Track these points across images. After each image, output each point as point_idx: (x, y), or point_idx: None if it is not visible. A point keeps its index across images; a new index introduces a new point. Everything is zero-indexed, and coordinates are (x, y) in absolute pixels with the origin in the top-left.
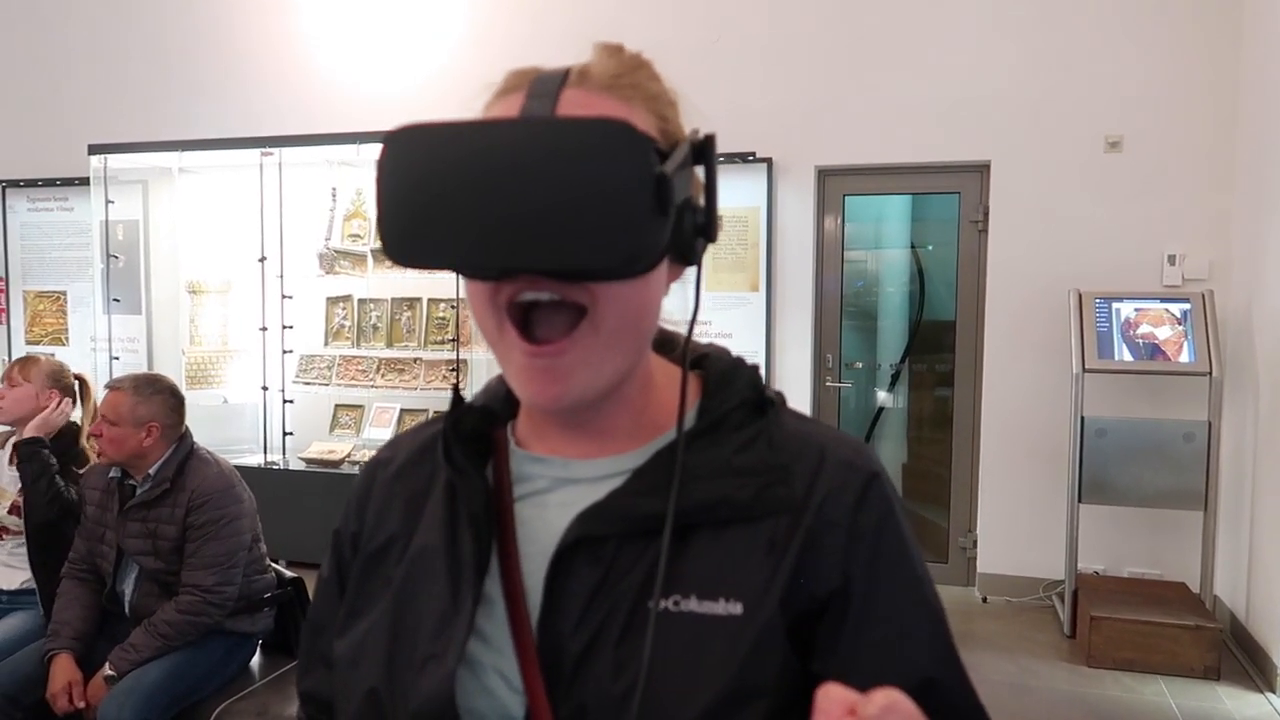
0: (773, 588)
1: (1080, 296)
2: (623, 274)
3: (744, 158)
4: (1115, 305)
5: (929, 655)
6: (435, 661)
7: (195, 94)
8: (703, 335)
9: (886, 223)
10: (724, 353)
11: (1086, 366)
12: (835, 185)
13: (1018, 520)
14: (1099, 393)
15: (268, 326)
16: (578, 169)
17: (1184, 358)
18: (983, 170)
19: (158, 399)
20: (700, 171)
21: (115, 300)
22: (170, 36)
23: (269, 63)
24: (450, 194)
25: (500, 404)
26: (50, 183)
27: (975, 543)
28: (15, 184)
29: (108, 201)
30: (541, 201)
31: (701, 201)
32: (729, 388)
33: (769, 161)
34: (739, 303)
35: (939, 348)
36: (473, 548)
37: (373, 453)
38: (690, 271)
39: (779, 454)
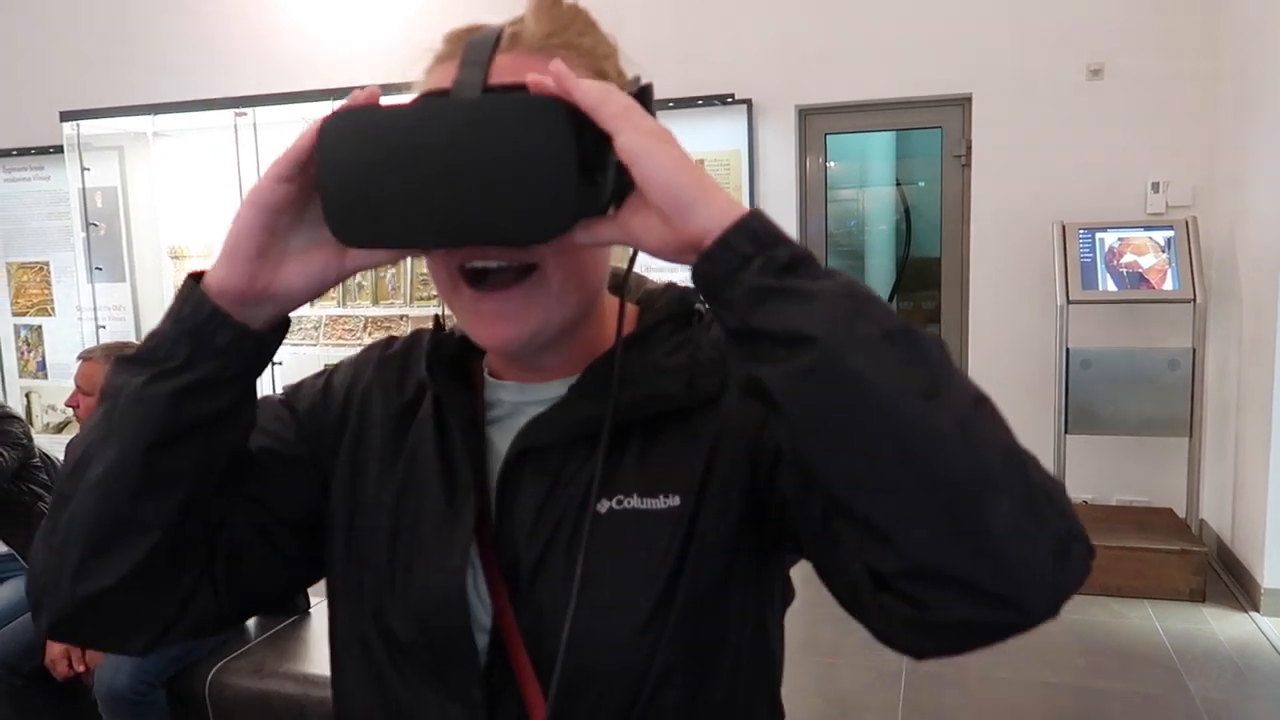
0: (710, 479)
1: (1064, 228)
2: (560, 234)
3: (723, 100)
4: (1099, 235)
5: None
6: (438, 559)
7: (167, 56)
8: (684, 281)
9: (871, 161)
10: (664, 284)
11: (1071, 298)
12: (817, 124)
13: None
14: (1084, 324)
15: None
16: (504, 144)
17: (1168, 285)
18: (964, 103)
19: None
20: None
21: (98, 269)
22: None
23: (239, 22)
24: (386, 176)
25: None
26: (25, 151)
27: None
28: None
29: (83, 169)
30: (473, 178)
31: None
32: (657, 304)
33: (748, 103)
34: None
35: (926, 284)
36: (466, 457)
37: None
38: None
39: (707, 350)
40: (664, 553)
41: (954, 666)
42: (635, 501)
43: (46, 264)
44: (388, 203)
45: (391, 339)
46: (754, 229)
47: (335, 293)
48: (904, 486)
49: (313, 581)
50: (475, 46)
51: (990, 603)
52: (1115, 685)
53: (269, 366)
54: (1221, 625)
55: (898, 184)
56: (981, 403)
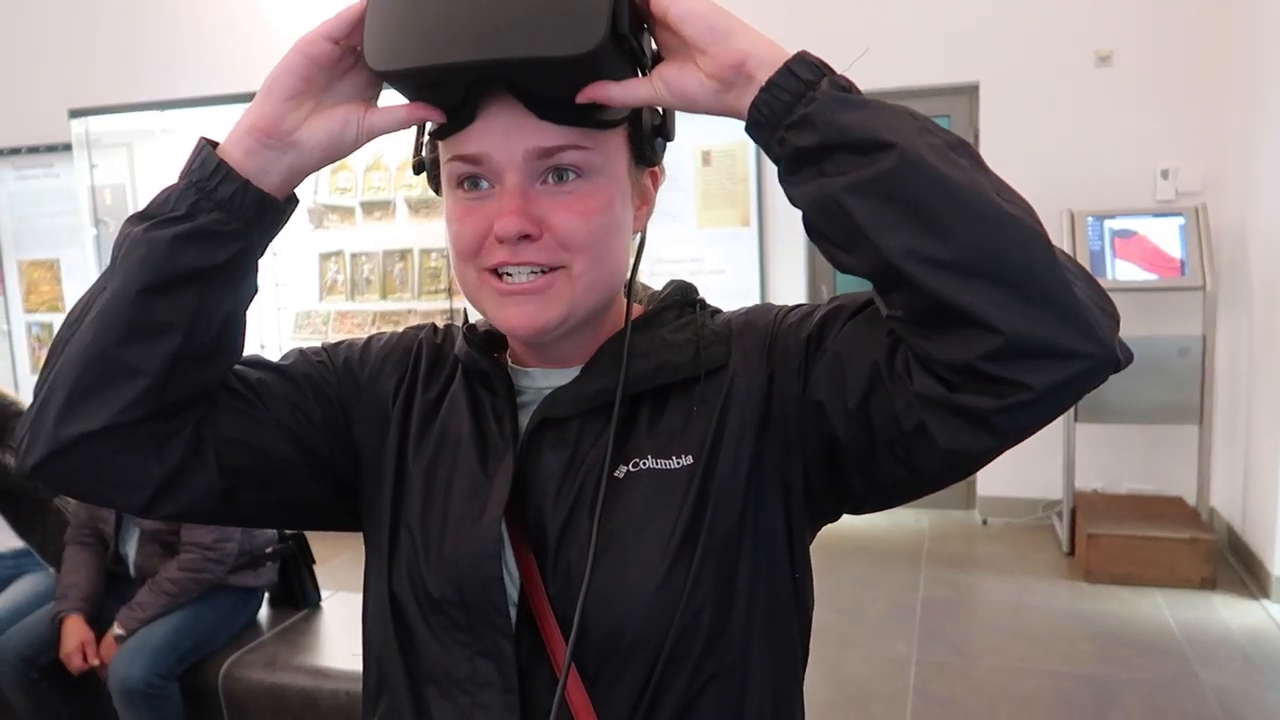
0: (722, 438)
1: (1073, 216)
2: (587, 118)
3: None
4: (1107, 223)
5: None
6: (470, 519)
7: (174, 54)
8: (696, 272)
9: None
10: (672, 281)
11: None
12: None
13: None
14: None
15: (260, 285)
16: None
17: (1177, 273)
18: (971, 92)
19: None
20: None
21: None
22: None
23: (245, 18)
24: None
25: (500, 334)
26: (34, 149)
27: None
28: (0, 152)
29: (92, 166)
30: None
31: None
32: (662, 296)
33: None
34: (731, 239)
35: None
36: (497, 429)
37: None
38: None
39: (710, 329)
40: (680, 505)
41: (963, 656)
42: (650, 463)
43: (57, 261)
44: (425, 22)
45: (435, 327)
46: (811, 59)
47: (344, 288)
48: (996, 267)
49: (307, 519)
50: None
51: (1078, 360)
52: (1125, 674)
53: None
54: (1232, 613)
55: None
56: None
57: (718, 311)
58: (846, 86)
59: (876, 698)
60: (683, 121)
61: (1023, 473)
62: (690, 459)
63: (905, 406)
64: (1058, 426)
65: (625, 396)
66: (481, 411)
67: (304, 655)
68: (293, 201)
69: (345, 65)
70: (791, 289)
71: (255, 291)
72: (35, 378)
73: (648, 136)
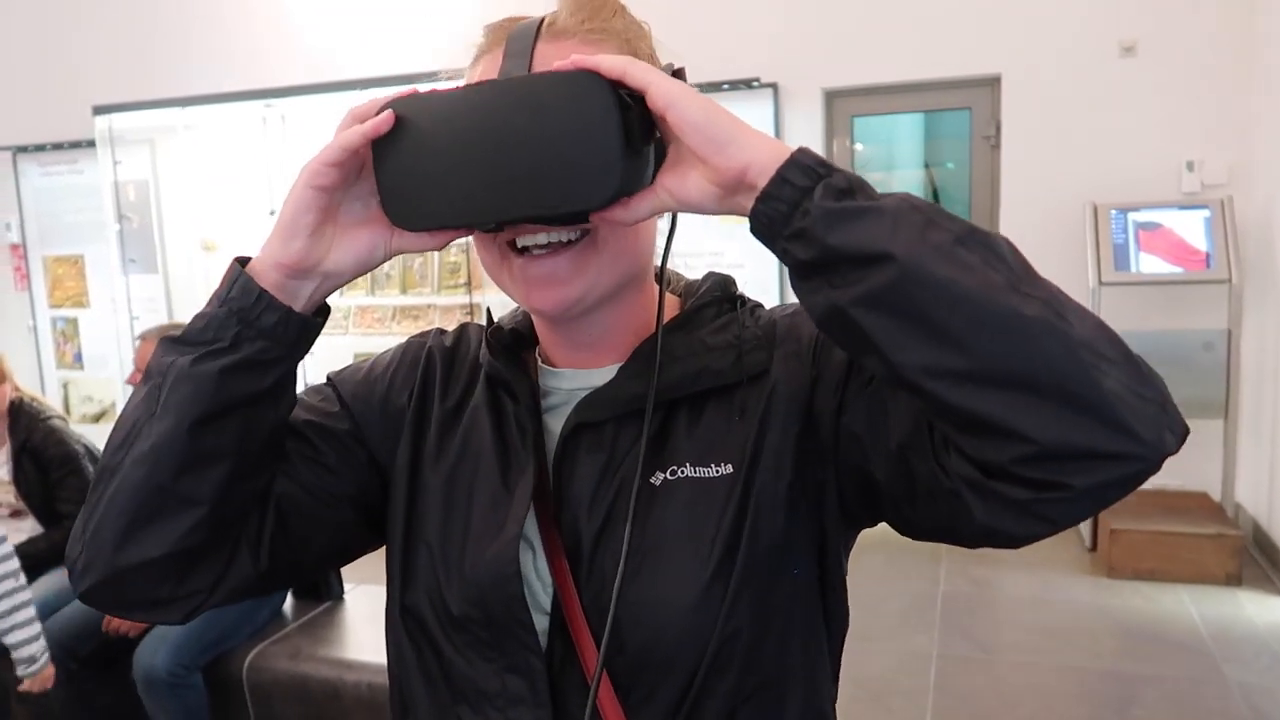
0: (763, 447)
1: (1096, 209)
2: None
3: (748, 84)
4: (1131, 215)
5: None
6: (490, 535)
7: (196, 51)
8: (716, 265)
9: (899, 143)
10: (710, 274)
11: (1103, 279)
12: (843, 107)
13: None
14: (1117, 305)
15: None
16: (554, 121)
17: (1202, 266)
18: (993, 84)
19: None
20: None
21: (131, 261)
22: None
23: (267, 16)
24: (442, 159)
25: (527, 328)
26: (59, 146)
27: None
28: (24, 149)
29: (115, 162)
30: (528, 155)
31: None
32: (700, 291)
33: (774, 87)
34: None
35: None
36: (520, 440)
37: None
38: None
39: (753, 330)
40: (720, 517)
41: (984, 651)
42: (689, 470)
43: (81, 257)
44: (443, 185)
45: (441, 330)
46: (806, 163)
47: (364, 282)
48: (1019, 375)
49: (351, 554)
50: (517, 37)
51: (1121, 462)
52: (1149, 670)
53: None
54: (1258, 609)
55: (926, 166)
56: (1059, 289)
57: (759, 307)
58: (845, 188)
59: (897, 692)
60: None
61: None
62: (730, 468)
63: (944, 471)
64: None
65: (663, 401)
66: (504, 420)
67: (327, 647)
68: (325, 312)
69: (353, 178)
70: None
71: (294, 402)
72: (59, 373)
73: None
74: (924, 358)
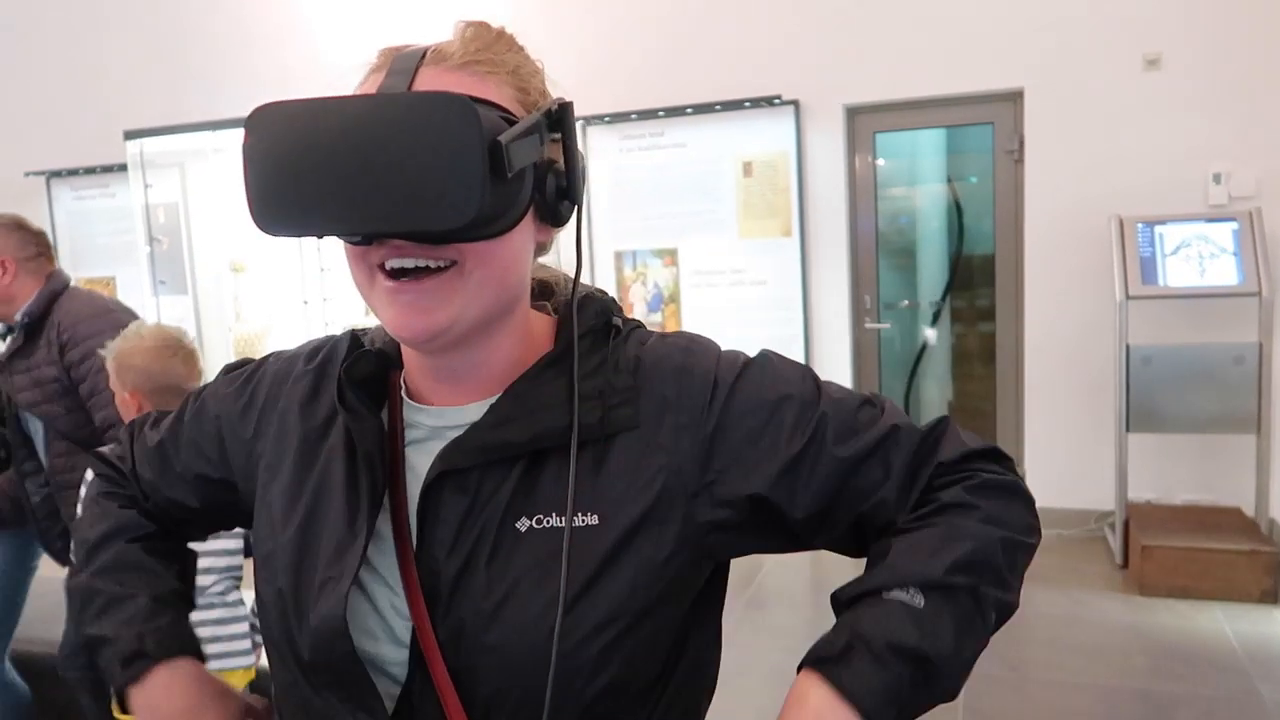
0: (629, 502)
1: (1122, 222)
2: (475, 235)
3: (769, 101)
4: (1158, 229)
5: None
6: (332, 584)
7: (224, 76)
8: (737, 282)
9: (921, 158)
10: (583, 291)
11: (1130, 293)
12: (865, 123)
13: (1066, 453)
14: (1144, 319)
15: (309, 300)
16: (419, 140)
17: (1231, 279)
18: (1016, 98)
19: (1, 233)
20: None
21: (162, 282)
22: (196, 18)
23: (293, 41)
24: (308, 167)
25: (394, 348)
26: (91, 170)
27: (1023, 477)
28: (58, 174)
29: (146, 185)
30: (390, 171)
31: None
32: (578, 317)
33: (795, 104)
34: (772, 249)
35: (980, 282)
36: (369, 483)
37: None
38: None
39: (623, 376)
40: (581, 566)
41: (1013, 670)
42: (555, 520)
43: (113, 279)
44: (308, 193)
45: (317, 349)
46: None
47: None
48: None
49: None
50: (403, 58)
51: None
52: (1182, 689)
53: None
54: None
55: (949, 181)
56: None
57: (635, 331)
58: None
59: (926, 713)
60: (723, 131)
61: (1073, 484)
62: (595, 519)
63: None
64: (1109, 436)
65: (529, 451)
66: (355, 460)
67: None
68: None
69: None
70: (834, 299)
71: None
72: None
73: (551, 202)
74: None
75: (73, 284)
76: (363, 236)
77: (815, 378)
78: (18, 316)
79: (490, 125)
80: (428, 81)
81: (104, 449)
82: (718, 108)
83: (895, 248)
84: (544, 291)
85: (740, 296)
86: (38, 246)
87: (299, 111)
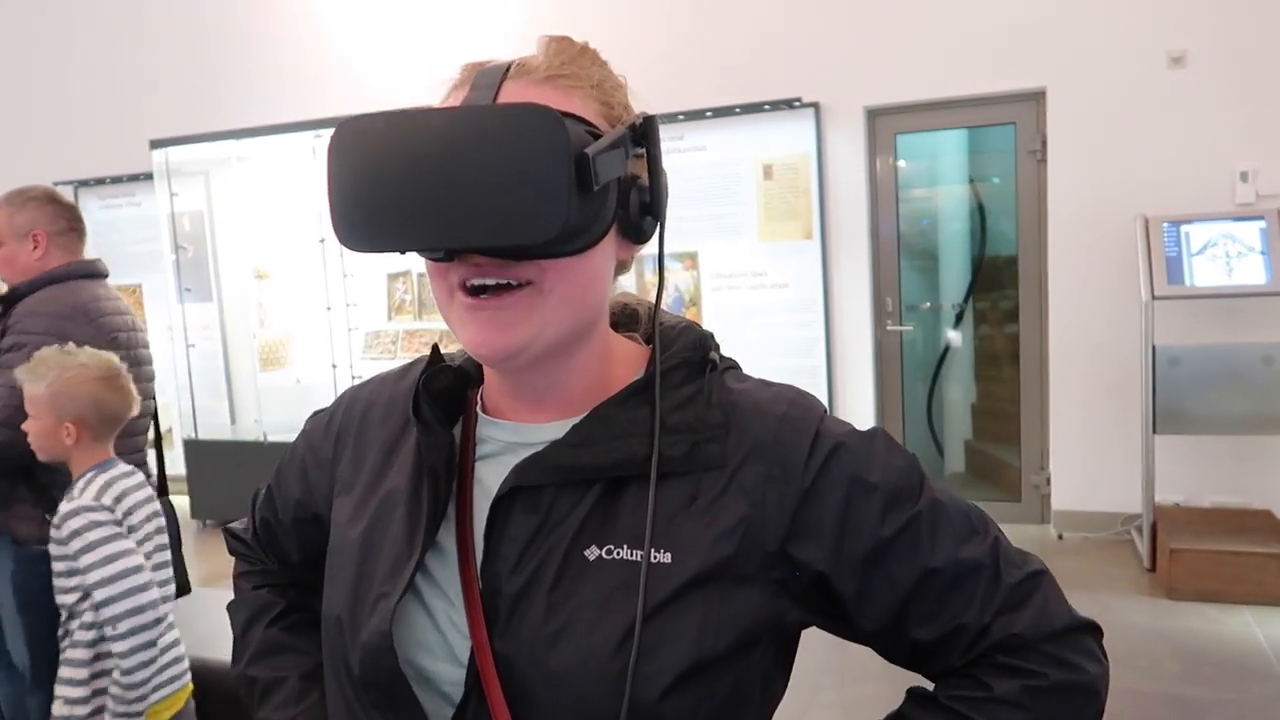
0: (702, 541)
1: (1147, 222)
2: (559, 251)
3: (789, 104)
4: (1184, 228)
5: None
6: (385, 600)
7: (248, 85)
8: (758, 285)
9: (942, 159)
10: (683, 322)
11: (1156, 293)
12: (886, 124)
13: (1092, 455)
14: (1170, 320)
15: (332, 306)
16: (505, 152)
17: (1259, 278)
18: (1038, 98)
19: (33, 205)
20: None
21: (187, 290)
22: (220, 30)
23: (316, 51)
24: (392, 182)
25: (474, 366)
26: (118, 179)
27: (1049, 480)
28: (85, 183)
29: (172, 194)
30: (475, 185)
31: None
32: (670, 348)
33: (816, 106)
34: (793, 251)
35: (1003, 284)
36: (430, 498)
37: None
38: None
39: (714, 412)
40: (647, 605)
41: None
42: (625, 553)
43: (139, 286)
44: (388, 208)
45: (405, 369)
46: None
47: (412, 307)
48: None
49: None
50: (486, 73)
51: None
52: (1213, 694)
53: (350, 380)
54: None
55: (971, 181)
56: None
57: (730, 371)
58: None
59: None
60: (744, 134)
61: (1099, 486)
62: (669, 557)
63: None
64: (1135, 438)
65: (607, 477)
66: (422, 475)
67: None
68: None
69: None
70: (856, 302)
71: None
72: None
73: (635, 219)
74: None
75: (85, 280)
76: (445, 252)
77: (921, 470)
78: (6, 286)
79: (576, 138)
80: (513, 95)
81: (233, 525)
82: (737, 110)
83: (917, 249)
84: (632, 320)
85: (761, 300)
86: (69, 221)
87: (382, 125)
